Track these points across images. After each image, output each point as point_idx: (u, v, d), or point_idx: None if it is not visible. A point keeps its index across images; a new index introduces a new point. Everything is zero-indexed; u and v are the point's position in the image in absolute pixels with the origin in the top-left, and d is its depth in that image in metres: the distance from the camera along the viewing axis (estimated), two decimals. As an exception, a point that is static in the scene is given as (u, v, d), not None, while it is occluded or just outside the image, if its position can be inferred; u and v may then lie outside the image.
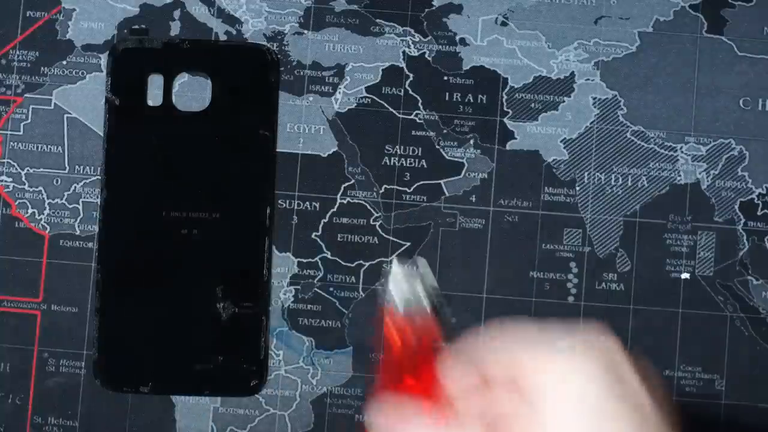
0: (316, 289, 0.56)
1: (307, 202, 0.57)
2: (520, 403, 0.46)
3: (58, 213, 0.56)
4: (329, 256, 0.56)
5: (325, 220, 0.57)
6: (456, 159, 0.57)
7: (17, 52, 0.57)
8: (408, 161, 0.57)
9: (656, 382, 0.46)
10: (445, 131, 0.57)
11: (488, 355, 0.47)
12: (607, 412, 0.44)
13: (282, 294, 0.56)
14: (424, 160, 0.57)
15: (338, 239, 0.56)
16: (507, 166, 0.57)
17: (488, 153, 0.57)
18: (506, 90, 0.57)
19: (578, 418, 0.45)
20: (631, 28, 0.58)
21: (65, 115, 0.57)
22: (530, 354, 0.45)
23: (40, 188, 0.56)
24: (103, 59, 0.57)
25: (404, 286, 0.49)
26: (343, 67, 0.57)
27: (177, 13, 0.57)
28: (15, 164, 0.57)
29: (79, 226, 0.56)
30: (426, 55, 0.57)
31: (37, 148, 0.57)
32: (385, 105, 0.57)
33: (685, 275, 0.57)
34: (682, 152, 0.57)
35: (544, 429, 0.45)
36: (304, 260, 0.56)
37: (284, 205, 0.57)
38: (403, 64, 0.57)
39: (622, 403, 0.45)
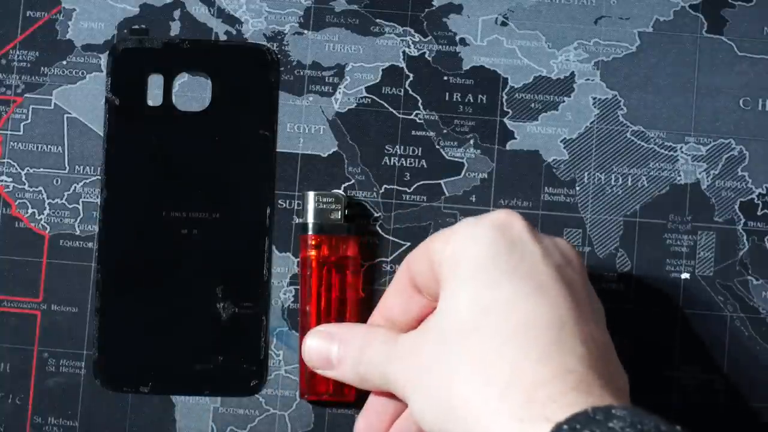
0: (316, 289, 0.56)
1: (307, 202, 0.56)
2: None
3: (58, 213, 0.56)
4: (329, 256, 0.56)
5: (325, 220, 0.57)
6: (456, 159, 0.57)
7: (17, 52, 0.57)
8: (408, 161, 0.57)
9: (570, 260, 0.46)
10: (445, 131, 0.57)
11: (412, 255, 0.49)
12: (499, 279, 0.44)
13: (282, 294, 0.56)
14: (424, 160, 0.57)
15: (338, 239, 0.56)
16: (507, 166, 0.57)
17: (488, 153, 0.57)
18: (506, 90, 0.57)
19: (472, 282, 0.44)
20: (631, 28, 0.58)
21: (65, 115, 0.57)
22: (439, 235, 0.46)
23: (40, 188, 0.56)
24: (103, 59, 0.57)
25: (321, 210, 0.54)
26: (343, 67, 0.57)
27: (177, 13, 0.57)
28: (15, 164, 0.57)
29: (79, 226, 0.56)
30: (426, 55, 0.57)
31: (37, 148, 0.57)
32: (385, 105, 0.57)
33: (685, 275, 0.57)
34: (682, 152, 0.57)
35: (440, 317, 0.45)
36: (304, 260, 0.56)
37: (284, 205, 0.57)
38: (403, 64, 0.57)
39: (514, 277, 0.44)
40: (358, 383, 0.50)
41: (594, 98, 0.57)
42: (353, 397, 0.54)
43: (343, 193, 0.56)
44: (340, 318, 0.54)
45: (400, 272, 0.51)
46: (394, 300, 0.51)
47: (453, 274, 0.45)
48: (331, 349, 0.50)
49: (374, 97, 0.57)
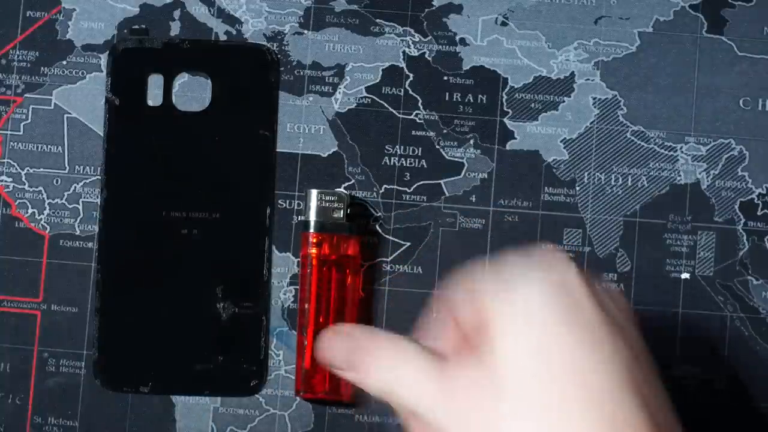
0: (316, 289, 0.56)
1: (307, 202, 0.56)
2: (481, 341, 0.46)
3: (58, 213, 0.56)
4: (329, 256, 0.56)
5: (325, 220, 0.57)
6: (456, 159, 0.57)
7: (17, 52, 0.57)
8: (408, 161, 0.57)
9: (621, 309, 0.46)
10: (445, 131, 0.57)
11: (457, 302, 0.47)
12: (556, 337, 0.43)
13: (282, 294, 0.56)
14: (424, 160, 0.57)
15: (338, 239, 0.56)
16: (507, 166, 0.57)
17: (488, 153, 0.57)
18: (506, 90, 0.57)
19: (530, 331, 0.43)
20: (631, 28, 0.58)
21: (65, 115, 0.57)
22: (488, 281, 0.46)
23: (40, 188, 0.56)
24: (103, 59, 0.57)
25: (324, 209, 0.54)
26: (343, 67, 0.57)
27: (177, 13, 0.57)
28: (15, 164, 0.57)
29: (79, 226, 0.56)
30: (426, 55, 0.57)
31: (37, 148, 0.57)
32: (385, 105, 0.57)
33: (685, 275, 0.57)
34: (682, 152, 0.57)
35: (496, 362, 0.44)
36: (304, 260, 0.56)
37: (284, 205, 0.57)
38: (403, 64, 0.57)
39: (572, 327, 0.43)
40: (382, 396, 0.49)
41: (594, 98, 0.57)
42: (349, 396, 0.54)
43: (345, 192, 0.56)
44: (339, 317, 0.54)
45: (438, 314, 0.49)
46: (430, 337, 0.50)
47: (508, 323, 0.44)
48: (358, 351, 0.49)
49: (374, 97, 0.57)
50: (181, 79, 0.57)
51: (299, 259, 0.56)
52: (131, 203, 0.56)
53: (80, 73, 0.57)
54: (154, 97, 0.57)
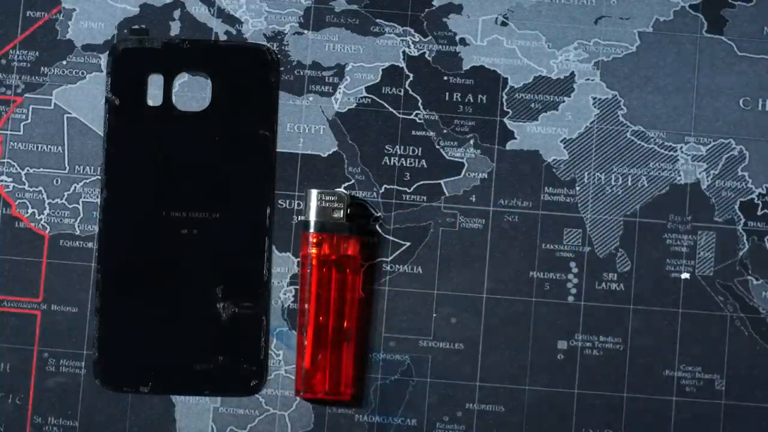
0: (316, 289, 0.56)
1: (307, 202, 0.57)
2: None
3: (58, 213, 0.56)
4: (329, 256, 0.56)
5: (325, 220, 0.57)
6: (456, 159, 0.57)
7: (17, 52, 0.57)
8: (408, 161, 0.57)
9: None
10: (445, 131, 0.57)
11: None
12: None
13: (282, 294, 0.56)
14: (424, 160, 0.57)
15: (338, 239, 0.56)
16: (507, 166, 0.57)
17: (488, 153, 0.57)
18: (506, 90, 0.57)
19: None
20: (631, 28, 0.58)
21: (65, 115, 0.57)
22: None
23: (40, 188, 0.56)
24: (103, 59, 0.57)
25: (324, 209, 0.55)
26: (343, 67, 0.57)
27: (177, 13, 0.57)
28: (15, 164, 0.57)
29: (79, 226, 0.56)
30: (426, 55, 0.57)
31: (37, 148, 0.57)
32: (385, 105, 0.57)
33: (685, 275, 0.57)
34: (682, 152, 0.57)
35: None
36: (304, 260, 0.56)
37: (284, 205, 0.57)
38: (403, 64, 0.57)
39: None
40: None
41: (594, 98, 0.57)
42: (349, 396, 0.54)
43: (345, 192, 0.56)
44: (339, 317, 0.54)
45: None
46: None
47: None
48: None
49: (374, 97, 0.57)
50: (181, 79, 0.57)
51: (299, 259, 0.56)
52: (131, 203, 0.56)
53: (80, 73, 0.57)
54: (154, 97, 0.57)
